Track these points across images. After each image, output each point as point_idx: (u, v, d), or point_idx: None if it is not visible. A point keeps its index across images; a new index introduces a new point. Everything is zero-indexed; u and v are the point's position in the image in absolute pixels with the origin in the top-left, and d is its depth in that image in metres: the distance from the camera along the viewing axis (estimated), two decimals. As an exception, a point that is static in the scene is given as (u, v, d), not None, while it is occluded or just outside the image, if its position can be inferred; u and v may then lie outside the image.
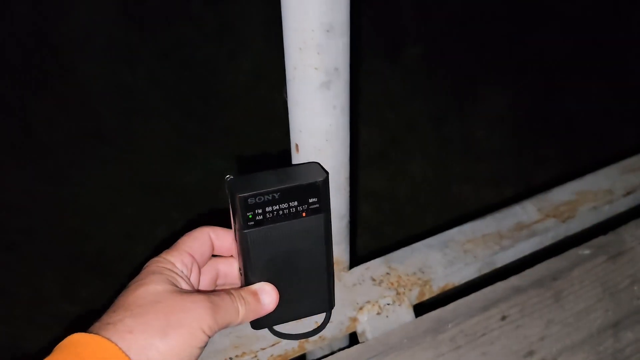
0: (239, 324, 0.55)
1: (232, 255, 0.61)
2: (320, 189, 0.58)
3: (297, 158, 0.71)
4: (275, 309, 0.59)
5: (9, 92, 2.29)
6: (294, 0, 0.59)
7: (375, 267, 0.81)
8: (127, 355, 0.46)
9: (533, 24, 2.56)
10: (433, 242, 0.84)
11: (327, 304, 0.64)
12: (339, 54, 0.63)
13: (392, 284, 0.79)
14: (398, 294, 0.78)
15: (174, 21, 2.51)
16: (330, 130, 0.67)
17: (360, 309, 0.76)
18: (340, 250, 0.79)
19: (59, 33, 2.42)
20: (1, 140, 2.16)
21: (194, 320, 0.49)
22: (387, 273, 0.80)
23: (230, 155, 2.14)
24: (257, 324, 0.61)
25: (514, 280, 0.81)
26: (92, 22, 2.44)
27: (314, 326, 0.66)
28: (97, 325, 0.48)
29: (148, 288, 0.51)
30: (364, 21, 2.51)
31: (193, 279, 0.57)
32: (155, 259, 0.55)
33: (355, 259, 0.83)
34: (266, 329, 0.63)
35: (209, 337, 0.51)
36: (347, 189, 0.75)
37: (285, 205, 0.57)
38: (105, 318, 0.49)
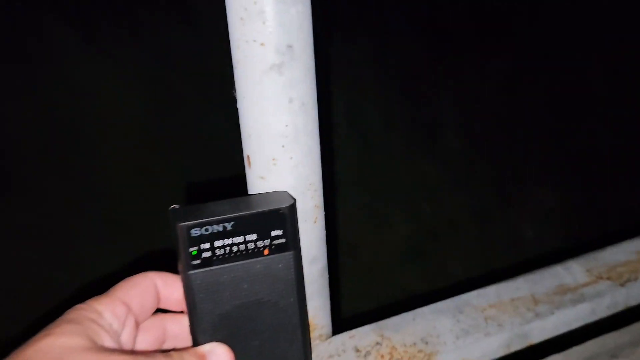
0: None
1: (183, 311, 0.48)
2: (286, 217, 0.45)
3: (250, 175, 0.55)
4: None
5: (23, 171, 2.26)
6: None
7: (362, 335, 0.61)
8: None
9: (580, 114, 2.41)
10: (442, 307, 0.64)
11: None
12: (292, 26, 0.48)
13: (382, 356, 0.58)
14: (390, 370, 0.56)
15: (197, 107, 2.49)
16: (287, 132, 0.51)
17: (335, 389, 0.55)
18: (314, 308, 0.59)
19: (84, 115, 2.43)
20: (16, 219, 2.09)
21: None
22: (378, 343, 0.59)
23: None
24: None
25: (556, 358, 0.59)
26: (117, 106, 2.44)
27: None
28: None
29: (55, 341, 0.39)
30: (403, 112, 2.43)
31: (125, 336, 0.44)
32: (79, 305, 0.43)
33: (339, 325, 0.63)
34: None
35: None
36: (321, 221, 0.57)
37: (240, 239, 0.45)
38: None
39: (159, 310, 0.50)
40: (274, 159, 0.52)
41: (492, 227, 2.09)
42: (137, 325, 0.47)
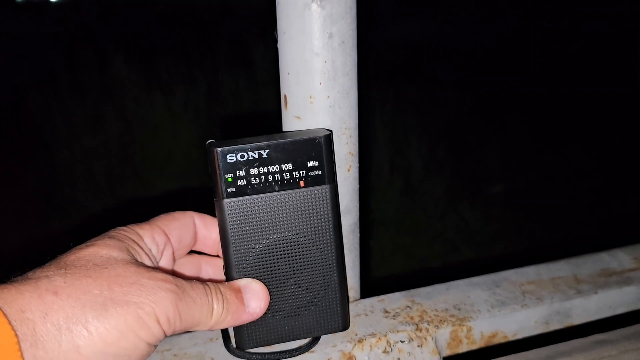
0: (212, 328, 0.40)
1: (219, 256, 0.48)
2: (322, 147, 0.44)
3: (286, 116, 0.54)
4: (268, 321, 0.45)
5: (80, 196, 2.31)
6: None
7: (392, 300, 0.58)
8: (11, 324, 0.32)
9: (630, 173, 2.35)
10: (478, 281, 0.61)
11: (339, 321, 0.47)
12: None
13: (411, 317, 0.55)
14: (419, 329, 0.53)
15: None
16: (326, 70, 0.51)
17: (360, 342, 0.52)
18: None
19: (143, 153, 2.49)
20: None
21: (148, 300, 0.36)
22: (408, 307, 0.56)
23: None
24: (242, 340, 0.46)
25: (598, 336, 0.55)
26: (174, 144, 2.50)
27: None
28: (17, 278, 0.36)
29: (98, 250, 0.39)
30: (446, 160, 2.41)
31: (163, 265, 0.45)
32: (120, 227, 0.43)
33: (367, 290, 0.60)
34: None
35: (165, 335, 0.37)
36: (354, 171, 0.56)
37: (276, 168, 0.44)
38: (30, 273, 0.36)
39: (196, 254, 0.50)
40: (310, 97, 0.52)
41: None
42: (174, 259, 0.46)
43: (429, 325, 0.53)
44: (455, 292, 0.58)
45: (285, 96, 0.53)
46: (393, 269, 1.99)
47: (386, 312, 0.56)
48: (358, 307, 0.57)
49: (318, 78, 0.51)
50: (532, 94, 2.80)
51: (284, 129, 0.54)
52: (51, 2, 4.65)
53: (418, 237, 2.14)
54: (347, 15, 0.51)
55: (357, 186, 0.56)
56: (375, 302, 0.57)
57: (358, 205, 0.57)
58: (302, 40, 0.50)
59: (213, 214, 0.46)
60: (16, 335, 0.32)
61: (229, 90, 2.70)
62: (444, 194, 2.27)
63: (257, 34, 2.89)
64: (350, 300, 0.58)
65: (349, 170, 0.55)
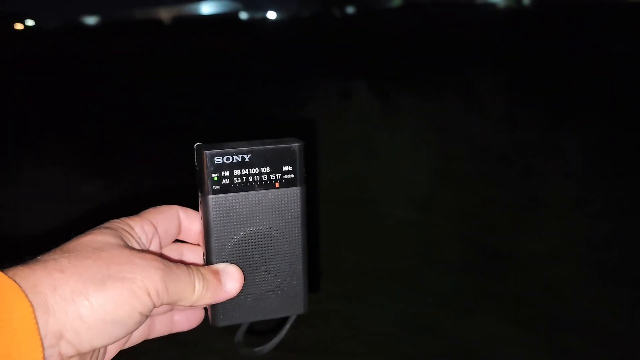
0: (194, 304, 0.47)
1: (200, 245, 0.54)
2: (296, 155, 0.52)
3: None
4: (241, 302, 0.52)
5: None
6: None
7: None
8: (27, 296, 0.39)
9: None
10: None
11: (301, 304, 0.55)
12: None
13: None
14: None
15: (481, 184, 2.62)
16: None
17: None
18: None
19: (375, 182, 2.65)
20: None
21: (140, 276, 0.43)
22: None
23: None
24: (216, 318, 0.52)
25: None
26: (408, 176, 2.63)
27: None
28: (28, 262, 0.42)
29: (95, 237, 0.45)
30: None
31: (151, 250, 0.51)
32: (114, 219, 0.50)
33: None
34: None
35: (154, 306, 0.44)
36: None
37: (255, 171, 0.51)
38: (40, 257, 0.43)
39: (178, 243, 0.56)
40: None
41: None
42: (161, 247, 0.53)
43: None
44: None
45: None
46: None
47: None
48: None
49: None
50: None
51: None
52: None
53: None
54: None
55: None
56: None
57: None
58: None
59: (195, 208, 0.53)
60: (31, 305, 0.38)
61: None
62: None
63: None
64: None
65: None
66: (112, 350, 0.48)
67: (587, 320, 1.93)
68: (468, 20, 12.31)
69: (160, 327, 0.52)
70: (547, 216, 2.47)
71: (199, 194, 0.51)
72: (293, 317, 0.55)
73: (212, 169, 0.49)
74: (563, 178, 2.52)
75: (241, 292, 0.50)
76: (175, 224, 0.53)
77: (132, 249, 0.46)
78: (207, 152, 0.49)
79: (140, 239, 0.49)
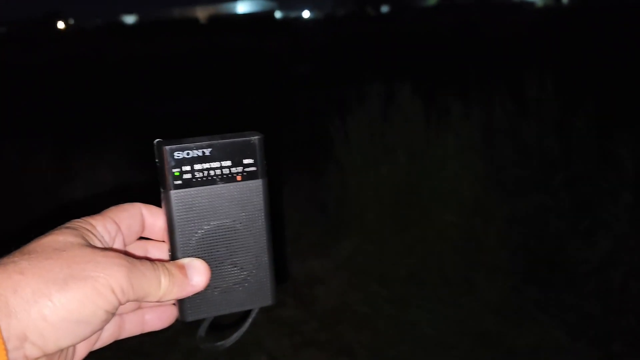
0: (161, 299, 0.47)
1: (164, 241, 0.54)
2: (256, 147, 0.52)
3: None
4: (208, 296, 0.51)
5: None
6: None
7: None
8: None
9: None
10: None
11: (269, 296, 0.54)
12: None
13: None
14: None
15: (531, 191, 2.63)
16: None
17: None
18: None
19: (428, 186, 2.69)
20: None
21: (103, 274, 0.42)
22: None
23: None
24: (184, 313, 0.52)
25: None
26: (456, 181, 2.69)
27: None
28: None
29: (56, 237, 0.45)
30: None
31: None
32: (75, 219, 0.49)
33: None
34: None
35: (120, 304, 0.44)
36: None
37: (217, 165, 0.51)
38: None
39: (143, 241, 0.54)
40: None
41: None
42: (125, 245, 0.51)
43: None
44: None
45: None
46: None
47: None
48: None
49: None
50: None
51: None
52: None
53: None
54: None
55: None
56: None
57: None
58: None
59: (158, 205, 0.52)
60: None
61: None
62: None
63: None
64: None
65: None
66: (82, 351, 0.47)
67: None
68: (507, 20, 12.12)
69: (131, 326, 0.51)
70: (599, 224, 2.42)
71: (161, 190, 0.50)
72: (256, 310, 0.54)
73: (172, 164, 0.49)
74: (616, 185, 2.46)
75: (208, 286, 0.50)
76: (138, 221, 0.52)
77: (95, 247, 0.45)
78: (167, 147, 0.49)
79: (102, 237, 0.48)
